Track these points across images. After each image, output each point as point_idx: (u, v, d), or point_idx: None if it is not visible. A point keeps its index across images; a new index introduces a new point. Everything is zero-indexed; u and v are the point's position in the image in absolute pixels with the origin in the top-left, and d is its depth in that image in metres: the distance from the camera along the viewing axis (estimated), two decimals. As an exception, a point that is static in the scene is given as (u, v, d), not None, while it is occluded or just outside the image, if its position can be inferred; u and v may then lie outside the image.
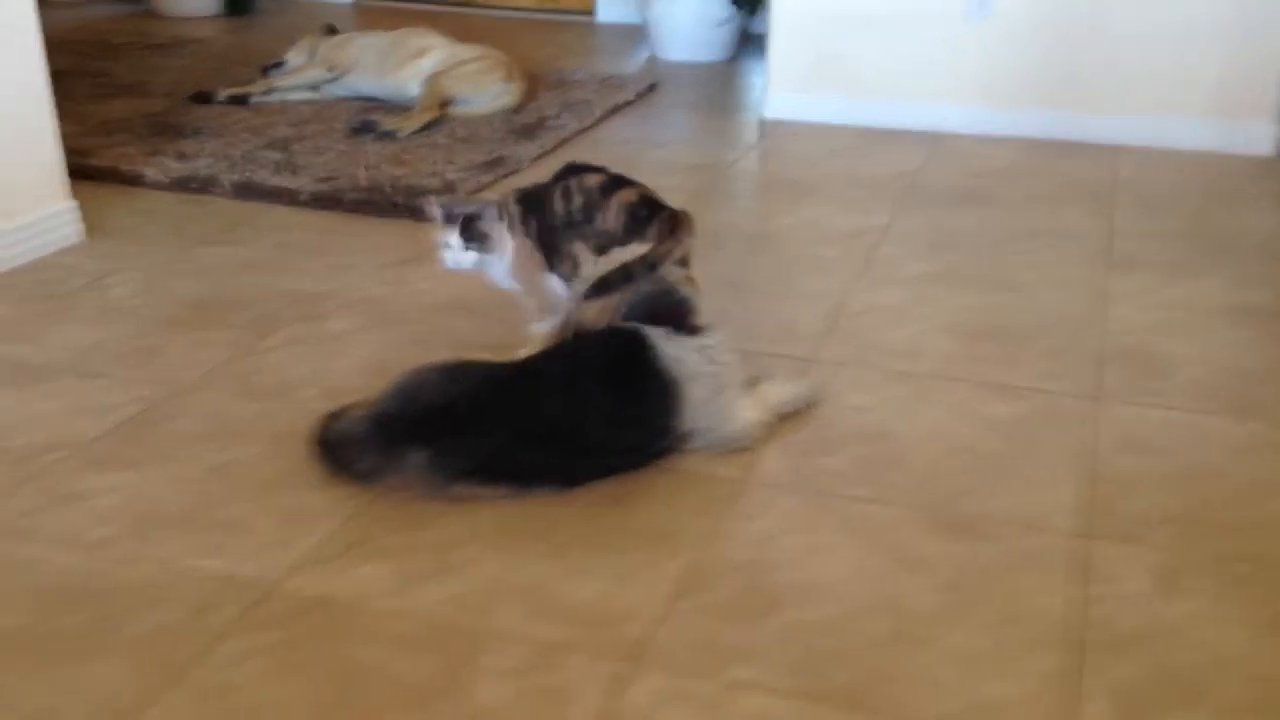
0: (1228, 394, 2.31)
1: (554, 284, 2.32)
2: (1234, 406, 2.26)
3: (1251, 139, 3.81)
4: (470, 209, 2.24)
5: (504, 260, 2.27)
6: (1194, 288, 2.81)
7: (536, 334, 2.35)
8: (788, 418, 2.18)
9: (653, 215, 2.24)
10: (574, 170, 2.34)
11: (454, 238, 2.23)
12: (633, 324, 2.05)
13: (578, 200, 2.28)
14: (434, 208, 2.26)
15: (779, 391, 2.20)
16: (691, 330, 2.06)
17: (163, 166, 3.43)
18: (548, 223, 2.29)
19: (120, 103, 4.08)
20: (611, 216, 2.25)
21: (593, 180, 2.31)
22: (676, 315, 2.07)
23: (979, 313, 2.66)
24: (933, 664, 1.59)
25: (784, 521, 1.90)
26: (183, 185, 3.36)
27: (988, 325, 2.60)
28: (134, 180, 3.39)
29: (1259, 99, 3.79)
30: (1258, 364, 2.43)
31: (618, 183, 2.30)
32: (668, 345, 2.02)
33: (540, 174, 3.52)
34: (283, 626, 1.64)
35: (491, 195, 2.32)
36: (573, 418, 1.95)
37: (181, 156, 3.52)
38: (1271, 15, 3.71)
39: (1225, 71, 3.79)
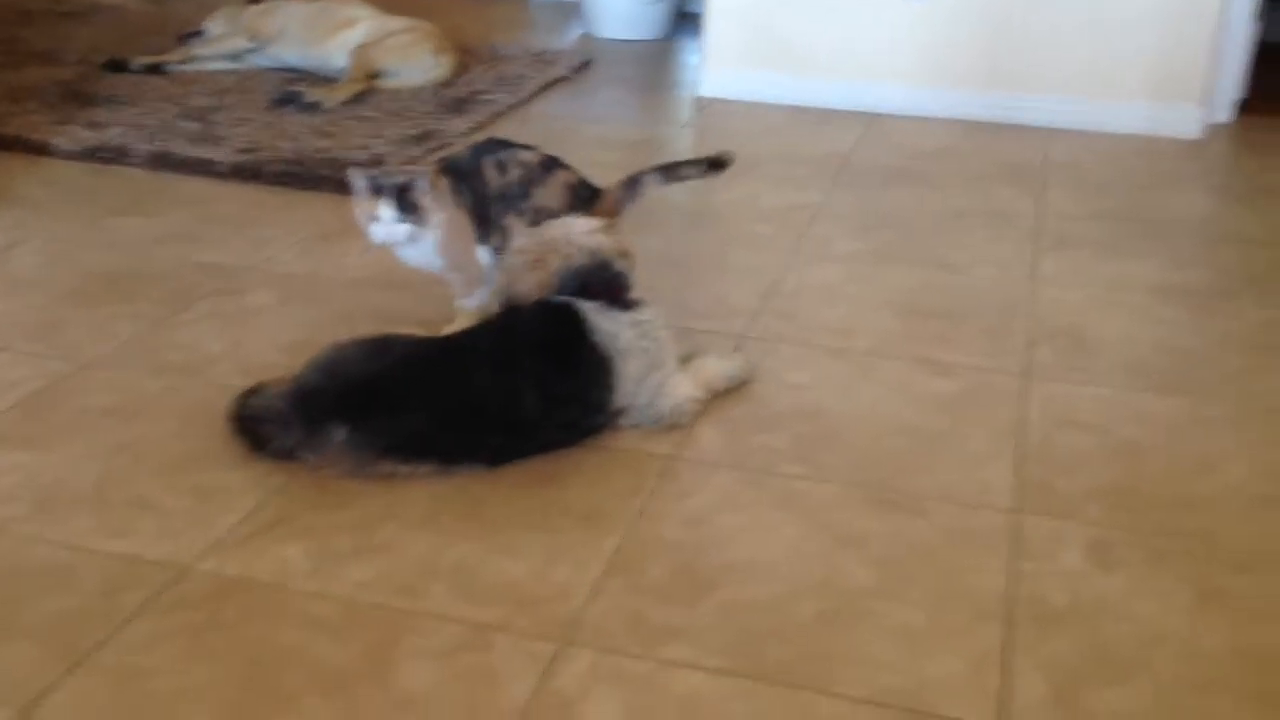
0: (1158, 372, 2.32)
1: (482, 257, 2.26)
2: (1165, 384, 2.27)
3: (1179, 122, 3.85)
4: (400, 179, 2.16)
5: (433, 233, 2.19)
6: (1125, 268, 2.83)
7: (465, 309, 2.29)
8: (722, 395, 2.15)
9: (594, 196, 2.21)
10: (499, 145, 2.27)
11: (385, 209, 2.13)
12: (565, 298, 2.00)
13: (515, 173, 2.23)
14: (358, 178, 2.16)
15: (714, 367, 2.16)
16: (626, 305, 2.02)
17: (73, 135, 3.29)
18: (481, 194, 2.22)
19: (30, 70, 3.92)
20: (552, 194, 2.20)
21: (529, 156, 2.25)
22: (611, 289, 2.02)
23: (914, 291, 2.65)
24: (869, 641, 1.57)
25: (719, 499, 1.86)
26: (93, 155, 3.23)
27: (922, 304, 2.59)
28: (41, 149, 3.25)
29: (1186, 83, 3.83)
30: (1188, 343, 2.45)
31: (555, 161, 2.27)
32: (601, 320, 1.97)
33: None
34: (197, 608, 1.57)
35: (413, 168, 2.23)
36: (503, 394, 1.89)
37: (93, 125, 3.39)
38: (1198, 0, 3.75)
39: (1153, 55, 3.82)
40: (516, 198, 2.22)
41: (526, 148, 2.28)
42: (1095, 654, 1.56)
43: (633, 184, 2.30)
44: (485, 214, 2.23)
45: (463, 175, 2.24)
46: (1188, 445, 2.06)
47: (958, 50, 3.96)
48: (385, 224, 2.13)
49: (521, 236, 2.11)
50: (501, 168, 2.23)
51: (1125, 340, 2.45)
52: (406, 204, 2.13)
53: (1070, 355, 2.37)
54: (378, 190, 2.13)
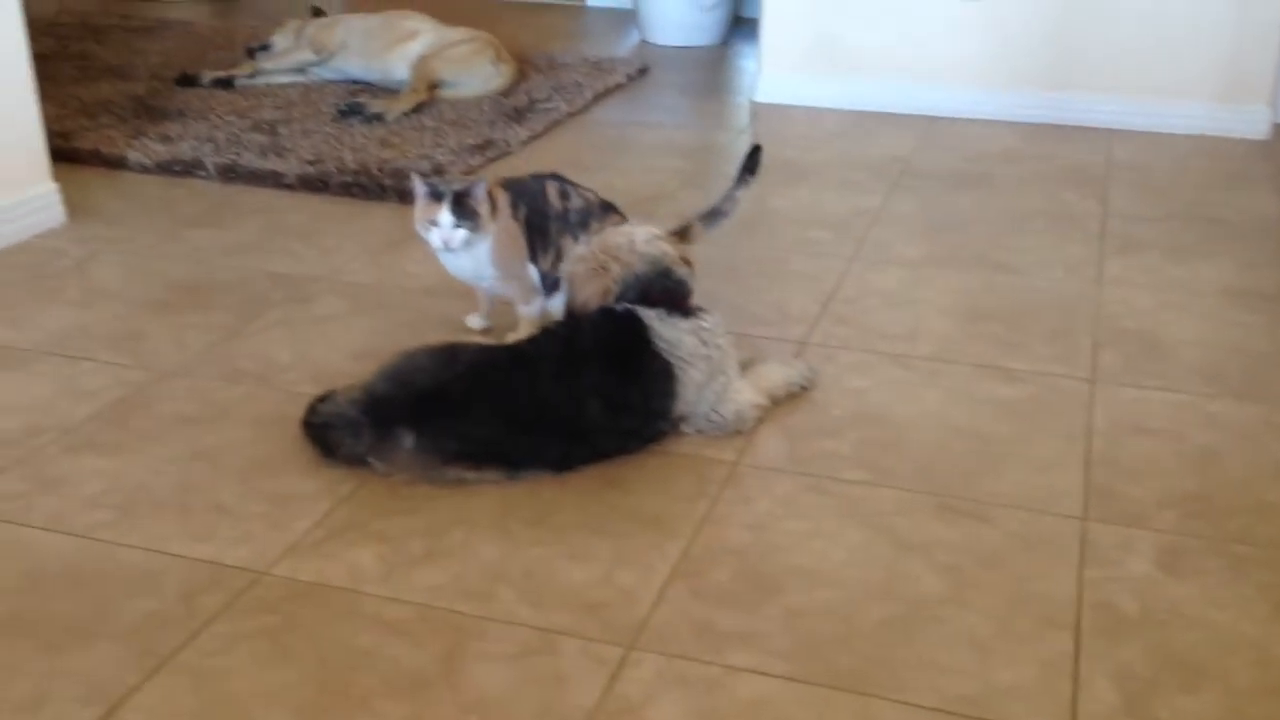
0: (1230, 377, 2.29)
1: (532, 272, 2.29)
2: (1236, 389, 2.24)
3: (1247, 122, 3.79)
4: (459, 185, 2.19)
5: (488, 240, 2.22)
6: (1194, 270, 2.79)
7: (526, 317, 2.32)
8: (784, 401, 2.15)
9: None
10: (562, 179, 2.33)
11: (444, 214, 2.17)
12: (627, 306, 2.01)
13: (576, 203, 2.29)
14: (419, 184, 2.20)
15: (775, 374, 2.17)
16: (686, 312, 2.03)
17: (146, 149, 3.38)
18: (542, 212, 2.26)
19: (104, 85, 4.02)
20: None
21: (590, 195, 2.32)
22: (672, 297, 2.03)
23: (976, 295, 2.64)
24: (937, 648, 1.57)
25: (782, 505, 1.87)
26: (166, 168, 3.30)
27: (985, 308, 2.57)
28: (117, 163, 3.33)
29: (1255, 83, 3.76)
30: (1262, 347, 2.41)
31: (613, 206, 2.34)
32: (663, 327, 1.99)
33: (531, 156, 3.48)
34: (274, 611, 1.61)
35: (472, 177, 2.27)
36: (568, 401, 1.91)
37: (165, 139, 3.47)
38: (1267, -2, 3.69)
39: (1221, 55, 3.76)
40: (575, 225, 2.26)
41: (585, 187, 2.34)
42: (1167, 661, 1.55)
43: (683, 234, 2.30)
44: (544, 231, 2.26)
45: (524, 192, 2.28)
46: (1264, 451, 2.03)
47: (1018, 51, 3.93)
48: (443, 228, 2.17)
49: (583, 244, 2.14)
50: (564, 194, 2.29)
51: (1197, 344, 2.42)
52: (464, 210, 2.17)
53: (1139, 360, 2.35)
54: (437, 196, 2.17)
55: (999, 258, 2.85)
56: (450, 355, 1.95)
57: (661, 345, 1.98)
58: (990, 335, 2.44)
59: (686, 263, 2.09)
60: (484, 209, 2.19)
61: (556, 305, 2.23)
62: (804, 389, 2.20)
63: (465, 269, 2.28)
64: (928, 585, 1.69)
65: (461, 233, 2.17)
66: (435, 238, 2.18)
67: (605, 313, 2.03)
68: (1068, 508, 1.87)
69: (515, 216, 2.26)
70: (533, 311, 2.31)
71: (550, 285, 2.28)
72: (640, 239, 2.06)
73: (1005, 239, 2.96)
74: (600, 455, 1.95)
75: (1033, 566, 1.73)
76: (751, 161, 2.38)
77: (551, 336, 2.04)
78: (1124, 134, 3.82)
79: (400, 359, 1.95)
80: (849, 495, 1.90)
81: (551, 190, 2.28)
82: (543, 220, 2.26)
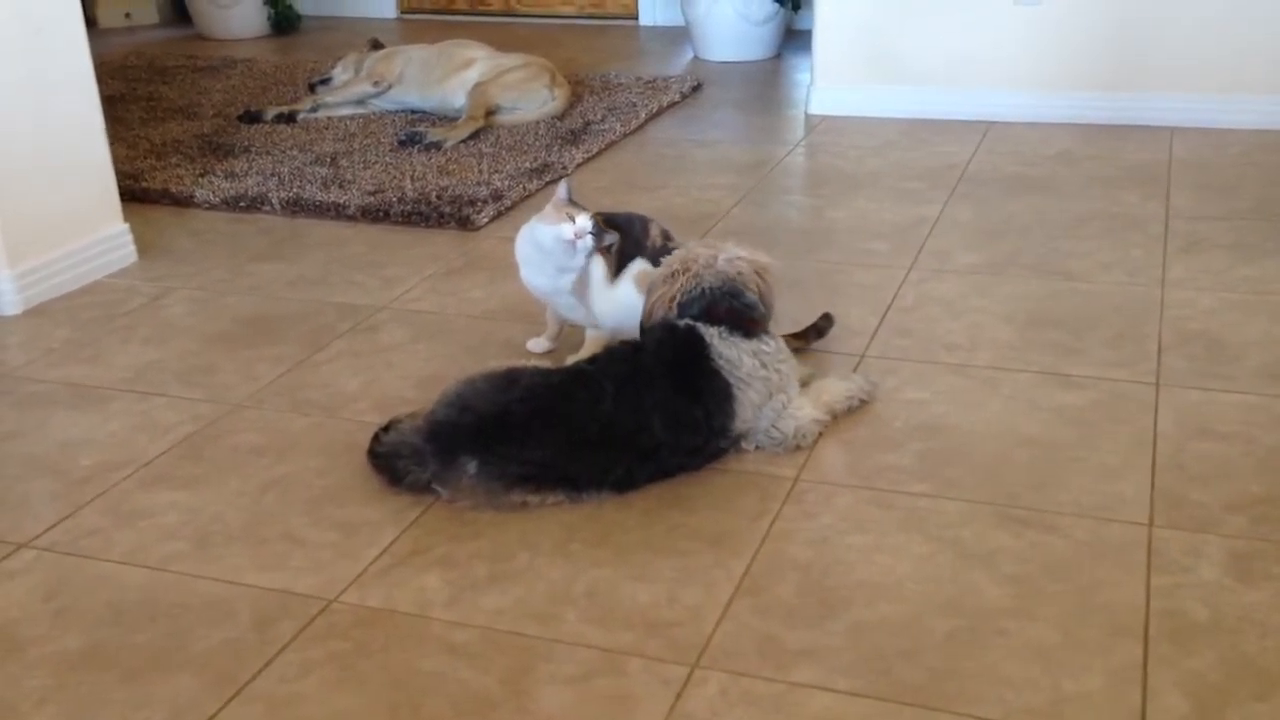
0: (1299, 375, 2.24)
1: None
2: (1306, 388, 2.20)
3: (1313, 114, 3.71)
4: (603, 216, 2.28)
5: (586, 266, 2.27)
6: (1261, 269, 2.74)
7: (593, 335, 2.34)
8: (844, 415, 2.15)
9: None
10: (658, 223, 2.38)
11: (588, 220, 2.21)
12: (689, 321, 2.03)
13: (674, 245, 2.31)
14: (562, 188, 2.28)
15: (835, 389, 2.16)
16: (749, 333, 2.03)
17: (213, 186, 3.47)
18: (639, 244, 2.30)
19: (171, 125, 4.14)
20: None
21: (677, 242, 2.36)
22: (737, 316, 2.03)
23: (1036, 301, 2.61)
24: (1003, 660, 1.56)
25: (844, 520, 1.87)
26: (233, 204, 3.39)
27: (1046, 314, 2.55)
28: (185, 201, 3.43)
29: (1320, 72, 3.69)
30: (1329, 343, 2.36)
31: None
32: (723, 345, 2.00)
33: (588, 178, 3.52)
34: (344, 638, 1.64)
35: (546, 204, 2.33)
36: (630, 420, 1.93)
37: (231, 176, 3.56)
38: (1330, -14, 3.62)
39: (1283, 46, 3.69)
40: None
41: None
42: (1238, 669, 1.52)
43: (803, 335, 2.42)
44: (633, 259, 2.30)
45: (620, 225, 2.32)
46: (1333, 451, 1.99)
47: (1074, 52, 3.88)
48: (580, 224, 2.21)
49: (680, 250, 2.16)
50: (666, 234, 2.33)
51: (1263, 344, 2.37)
52: (600, 230, 2.24)
53: (1206, 362, 2.31)
54: (574, 203, 2.26)
55: (1059, 262, 2.82)
56: (509, 379, 1.98)
57: (721, 363, 1.99)
58: (1052, 341, 2.42)
59: (764, 289, 2.08)
60: (603, 236, 2.25)
61: (625, 329, 2.26)
62: (864, 402, 2.19)
63: (542, 280, 2.31)
64: (993, 597, 1.68)
65: (589, 240, 2.22)
66: (567, 231, 2.21)
67: (668, 329, 2.04)
68: (1134, 514, 1.85)
69: (607, 250, 2.30)
70: (600, 334, 2.34)
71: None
72: (724, 256, 2.06)
73: (1065, 243, 2.93)
74: (663, 473, 1.97)
75: (1099, 575, 1.71)
76: (820, 326, 2.43)
77: (613, 356, 2.06)
78: (1184, 131, 3.76)
79: (460, 385, 1.98)
80: (911, 508, 1.89)
81: (654, 229, 2.33)
82: (637, 251, 2.30)
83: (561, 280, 2.28)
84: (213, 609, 1.71)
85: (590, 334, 2.35)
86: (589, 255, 2.24)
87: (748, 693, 1.52)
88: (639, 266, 2.28)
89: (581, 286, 2.29)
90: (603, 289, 2.29)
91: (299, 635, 1.65)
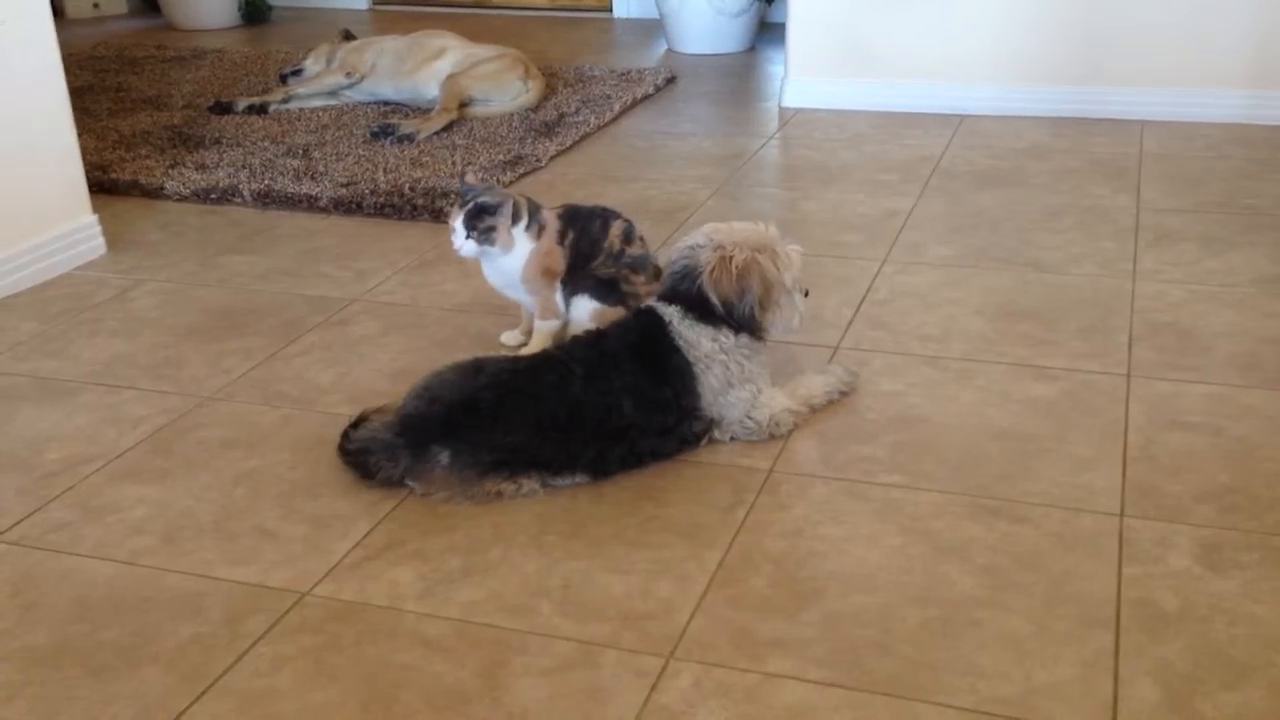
0: (1266, 367, 2.26)
1: (558, 295, 2.31)
2: (1273, 380, 2.21)
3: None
4: (486, 199, 2.22)
5: (513, 258, 2.26)
6: (1229, 261, 2.76)
7: (541, 330, 2.33)
8: (824, 408, 2.15)
9: None
10: (629, 222, 2.34)
11: (457, 223, 2.22)
12: (649, 303, 2.05)
13: (635, 250, 2.31)
14: (461, 184, 2.27)
15: (814, 383, 2.16)
16: (701, 317, 2.02)
17: (183, 178, 3.43)
18: (595, 244, 2.28)
19: (140, 116, 4.10)
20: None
21: (653, 256, 2.35)
22: (700, 301, 2.03)
23: (1009, 293, 2.63)
24: (975, 650, 1.56)
25: (818, 511, 1.87)
26: (203, 196, 3.36)
27: (1019, 306, 2.56)
28: (155, 193, 3.39)
29: (1287, 67, 3.72)
30: (1297, 335, 2.38)
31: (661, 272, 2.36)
32: (683, 327, 2.00)
33: (561, 170, 3.51)
34: (317, 632, 1.63)
35: (506, 192, 2.30)
36: (600, 401, 1.93)
37: (201, 167, 3.53)
38: (1298, -19, 3.65)
39: (1253, 40, 3.72)
40: (625, 268, 2.29)
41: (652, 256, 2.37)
42: (1208, 658, 1.54)
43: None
44: (591, 260, 2.28)
45: (579, 220, 2.30)
46: (1301, 441, 2.01)
47: (1046, 46, 3.90)
48: (457, 235, 2.23)
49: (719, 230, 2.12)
50: (627, 238, 2.30)
51: (1233, 335, 2.39)
52: (475, 224, 2.21)
53: (1175, 353, 2.33)
54: (464, 203, 2.23)
55: (1031, 255, 2.83)
56: (476, 368, 1.97)
57: (680, 344, 2.00)
58: (1024, 333, 2.43)
59: (753, 280, 2.04)
60: (501, 226, 2.22)
61: (576, 324, 2.26)
62: (844, 394, 2.19)
63: (493, 277, 2.33)
64: (966, 587, 1.69)
65: (470, 244, 2.22)
66: (453, 241, 2.24)
67: (634, 311, 2.08)
68: (1105, 505, 1.86)
69: (562, 242, 2.28)
70: (548, 328, 2.33)
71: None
72: (732, 239, 2.04)
73: (1037, 236, 2.95)
74: (635, 456, 1.96)
75: (1071, 565, 1.72)
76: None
77: (578, 340, 2.06)
78: (1154, 125, 3.79)
79: (428, 377, 1.97)
80: (885, 499, 1.90)
81: (616, 228, 2.30)
82: (594, 251, 2.28)
83: (493, 271, 2.29)
84: (183, 603, 1.70)
85: (538, 324, 2.34)
86: (486, 253, 2.24)
87: (721, 684, 1.52)
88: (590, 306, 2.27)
89: (533, 274, 2.28)
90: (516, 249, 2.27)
91: (271, 629, 1.64)
